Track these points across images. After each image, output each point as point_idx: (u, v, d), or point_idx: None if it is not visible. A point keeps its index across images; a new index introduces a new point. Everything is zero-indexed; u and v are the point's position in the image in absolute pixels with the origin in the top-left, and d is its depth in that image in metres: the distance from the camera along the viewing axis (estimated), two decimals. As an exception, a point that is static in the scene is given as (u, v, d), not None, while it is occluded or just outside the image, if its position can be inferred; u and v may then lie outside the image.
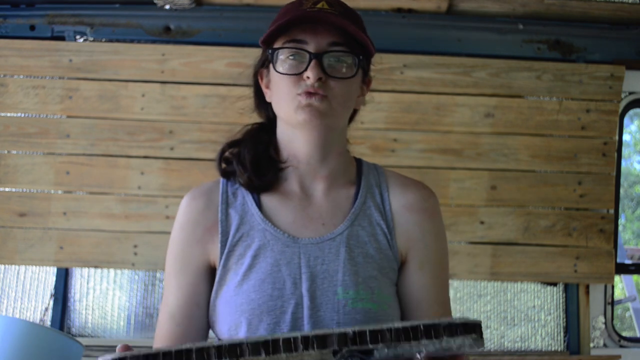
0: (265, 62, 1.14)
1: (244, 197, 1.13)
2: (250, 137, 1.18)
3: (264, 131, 1.18)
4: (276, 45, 1.10)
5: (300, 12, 1.07)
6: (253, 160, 1.14)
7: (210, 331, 1.14)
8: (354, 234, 1.10)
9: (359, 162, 1.21)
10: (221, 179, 1.17)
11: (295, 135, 1.12)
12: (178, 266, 1.13)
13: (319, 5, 1.07)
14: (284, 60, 1.08)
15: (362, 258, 1.09)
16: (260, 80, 1.17)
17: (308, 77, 1.05)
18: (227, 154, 1.18)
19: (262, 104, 1.18)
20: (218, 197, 1.14)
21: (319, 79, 1.05)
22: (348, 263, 1.07)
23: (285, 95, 1.08)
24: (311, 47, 1.06)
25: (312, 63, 1.05)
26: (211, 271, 1.12)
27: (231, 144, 1.18)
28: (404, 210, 1.14)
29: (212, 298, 1.11)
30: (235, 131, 1.20)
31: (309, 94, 1.06)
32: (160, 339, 1.13)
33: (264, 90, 1.16)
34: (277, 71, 1.09)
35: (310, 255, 1.08)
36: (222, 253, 1.10)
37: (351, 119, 1.21)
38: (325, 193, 1.14)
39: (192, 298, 1.11)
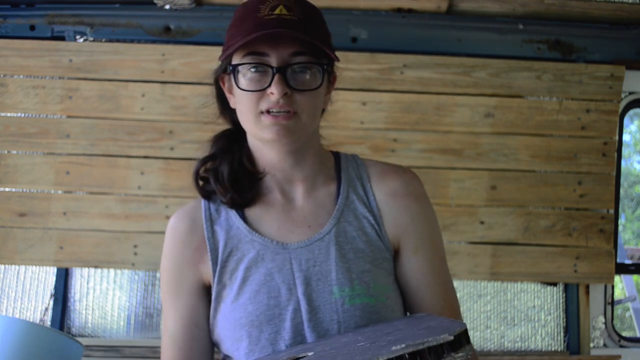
0: (227, 68, 1.10)
1: (227, 212, 1.13)
2: (223, 151, 1.15)
3: (234, 140, 1.16)
4: (236, 58, 1.05)
5: (258, 20, 1.02)
6: (230, 176, 1.12)
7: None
8: (342, 230, 1.09)
9: (336, 155, 1.19)
10: (202, 199, 1.15)
11: (264, 147, 1.10)
12: (173, 290, 1.13)
13: (277, 11, 1.02)
14: (245, 74, 1.04)
15: (353, 254, 1.08)
16: (222, 85, 1.14)
17: (272, 93, 1.01)
18: (202, 172, 1.15)
19: (227, 110, 1.15)
20: (201, 215, 1.13)
21: (285, 94, 1.01)
22: (340, 261, 1.07)
23: (250, 113, 1.05)
24: (273, 60, 1.02)
25: (276, 78, 1.01)
26: (206, 290, 1.12)
27: (204, 160, 1.16)
28: (389, 198, 1.12)
29: (211, 317, 1.11)
30: (206, 144, 1.17)
31: (274, 116, 1.02)
32: None
33: (227, 95, 1.13)
34: (239, 87, 1.05)
35: (301, 259, 1.07)
36: (214, 270, 1.09)
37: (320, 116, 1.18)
38: (306, 195, 1.12)
39: (191, 319, 1.11)
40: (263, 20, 1.02)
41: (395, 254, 1.13)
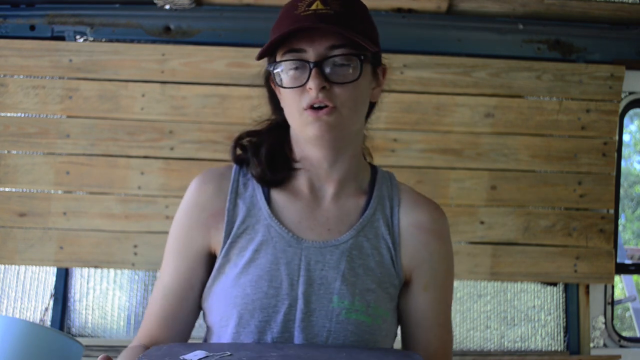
0: (270, 70, 1.10)
1: (254, 189, 1.12)
2: (269, 131, 1.15)
3: (282, 128, 1.15)
4: (277, 58, 1.06)
5: (295, 17, 1.02)
6: (268, 154, 1.12)
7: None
8: (358, 244, 1.09)
9: (373, 169, 1.18)
10: (234, 167, 1.15)
11: (306, 142, 1.10)
12: (179, 247, 1.13)
13: (314, 7, 1.02)
14: (285, 72, 1.04)
15: (362, 270, 1.07)
16: (273, 85, 1.13)
17: (310, 89, 1.01)
18: (244, 141, 1.15)
19: (278, 110, 1.15)
20: (229, 185, 1.13)
21: (322, 88, 1.01)
22: (347, 273, 1.06)
23: (292, 110, 1.05)
24: (310, 56, 1.02)
25: (313, 72, 1.01)
26: (210, 257, 1.12)
27: (250, 133, 1.16)
28: (413, 229, 1.12)
29: (208, 285, 1.11)
30: (240, 130, 1.18)
31: (315, 110, 1.02)
32: (151, 315, 1.14)
33: (278, 95, 1.13)
34: (280, 85, 1.06)
35: (311, 259, 1.07)
36: (224, 242, 1.09)
37: (369, 113, 1.18)
38: (334, 198, 1.12)
39: (188, 281, 1.11)
40: (300, 16, 1.02)
41: (405, 285, 1.12)
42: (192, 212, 1.12)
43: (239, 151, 1.16)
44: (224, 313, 1.07)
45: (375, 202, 1.13)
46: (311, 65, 1.01)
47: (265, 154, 1.12)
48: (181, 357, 0.91)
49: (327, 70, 1.02)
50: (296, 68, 1.03)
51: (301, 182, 1.13)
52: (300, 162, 1.12)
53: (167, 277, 1.13)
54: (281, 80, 1.05)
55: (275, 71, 1.05)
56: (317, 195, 1.12)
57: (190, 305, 1.12)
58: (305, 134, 1.06)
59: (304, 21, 1.01)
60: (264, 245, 1.08)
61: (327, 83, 1.02)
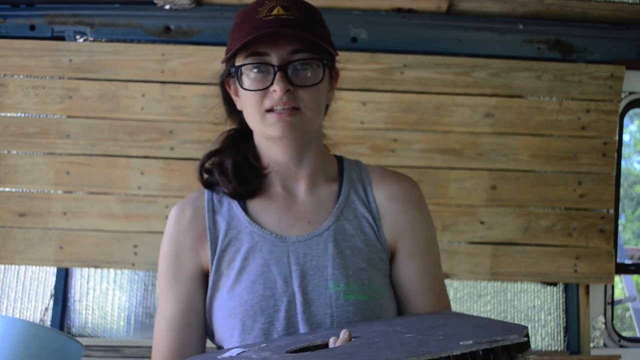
0: (231, 72, 1.13)
1: (230, 203, 1.15)
2: (228, 147, 1.18)
3: (240, 138, 1.18)
4: (238, 60, 1.08)
5: (257, 22, 1.04)
6: (234, 169, 1.14)
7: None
8: (340, 228, 1.11)
9: (339, 159, 1.22)
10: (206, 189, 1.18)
11: (270, 144, 1.12)
12: (172, 276, 1.14)
13: (275, 12, 1.05)
14: (247, 75, 1.07)
15: (350, 251, 1.10)
16: (228, 88, 1.16)
17: (275, 91, 1.04)
18: (207, 164, 1.18)
19: (234, 112, 1.18)
20: (204, 205, 1.15)
21: (287, 91, 1.04)
22: (337, 257, 1.08)
23: (254, 111, 1.07)
24: (274, 59, 1.04)
25: (277, 76, 1.04)
26: (205, 278, 1.13)
27: (210, 155, 1.19)
28: (388, 201, 1.15)
29: (207, 305, 1.12)
30: (213, 140, 1.21)
31: (278, 113, 1.05)
32: (161, 352, 1.13)
33: (234, 97, 1.15)
34: (242, 88, 1.08)
35: (299, 253, 1.09)
36: (212, 259, 1.11)
37: (324, 113, 1.20)
38: (308, 192, 1.15)
39: (190, 306, 1.12)
40: (262, 21, 1.04)
41: (392, 257, 1.14)
42: (177, 239, 1.14)
43: (205, 176, 1.18)
44: (227, 325, 1.08)
45: (347, 185, 1.16)
46: (275, 68, 1.04)
47: (232, 170, 1.14)
48: (219, 357, 0.91)
49: (290, 73, 1.05)
50: (259, 71, 1.06)
51: (273, 184, 1.15)
52: (268, 167, 1.15)
53: (168, 308, 1.13)
54: (243, 82, 1.07)
55: (237, 73, 1.08)
56: (290, 193, 1.15)
57: (197, 331, 1.13)
58: (267, 135, 1.08)
59: (267, 26, 1.03)
60: (251, 252, 1.10)
61: (291, 86, 1.05)
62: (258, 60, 1.05)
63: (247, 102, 1.09)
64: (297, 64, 1.05)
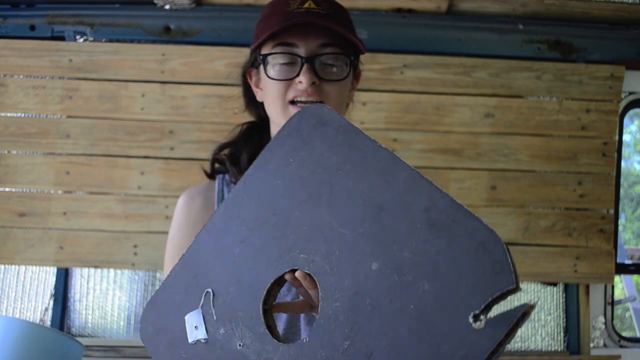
0: (255, 63, 1.13)
1: None
2: (243, 138, 1.18)
3: (256, 131, 1.18)
4: (265, 49, 1.08)
5: (288, 14, 1.05)
6: (247, 161, 1.14)
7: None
8: None
9: None
10: (217, 179, 1.17)
11: None
12: None
13: (306, 5, 1.05)
14: (274, 64, 1.06)
15: None
16: (249, 79, 1.16)
17: (301, 82, 1.04)
18: (220, 155, 1.18)
19: (253, 103, 1.18)
20: (214, 195, 1.15)
21: (312, 83, 1.04)
22: None
23: (278, 102, 1.07)
24: (302, 51, 1.04)
25: (304, 67, 1.04)
26: None
27: (224, 146, 1.19)
28: None
29: None
30: (230, 131, 1.21)
31: (301, 106, 1.04)
32: None
33: (254, 89, 1.15)
34: (268, 76, 1.07)
35: None
36: None
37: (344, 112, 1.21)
38: None
39: None
40: (293, 13, 1.05)
41: None
42: (185, 227, 1.14)
43: (217, 165, 1.18)
44: None
45: None
46: (303, 60, 1.04)
47: (244, 162, 1.14)
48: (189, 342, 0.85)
49: (317, 66, 1.05)
50: (286, 62, 1.06)
51: None
52: None
53: None
54: (268, 71, 1.07)
55: (263, 62, 1.07)
56: None
57: None
58: None
59: (297, 17, 1.04)
60: None
61: (317, 79, 1.04)
62: (286, 50, 1.05)
63: (270, 92, 1.08)
64: (325, 57, 1.05)
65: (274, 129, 1.15)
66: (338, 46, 1.06)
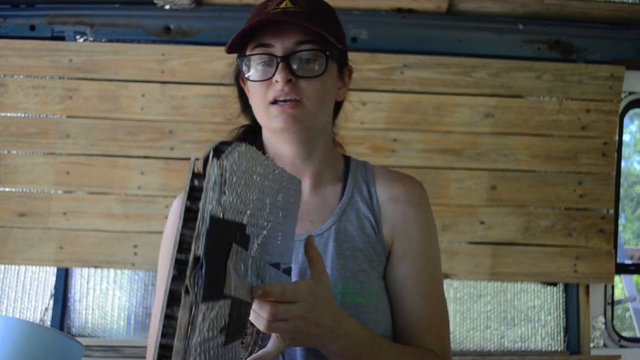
0: (239, 65, 1.13)
1: None
2: (240, 140, 1.17)
3: (250, 133, 1.19)
4: (246, 52, 1.09)
5: (263, 15, 1.05)
6: None
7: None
8: (342, 228, 1.11)
9: (347, 159, 1.21)
10: None
11: (276, 138, 1.12)
12: None
13: (283, 5, 1.05)
14: (253, 66, 1.07)
15: (351, 252, 1.09)
16: (242, 84, 1.16)
17: (277, 81, 1.04)
18: None
19: (248, 108, 1.18)
20: None
21: (289, 81, 1.04)
22: (336, 258, 1.08)
23: (259, 103, 1.07)
24: (278, 50, 1.04)
25: (280, 66, 1.03)
26: None
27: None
28: (390, 203, 1.13)
29: None
30: (227, 134, 1.21)
31: (281, 105, 1.04)
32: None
33: (247, 93, 1.15)
34: (248, 79, 1.08)
35: (298, 252, 1.07)
36: None
37: (338, 111, 1.22)
38: (312, 191, 1.15)
39: None
40: (269, 13, 1.05)
41: (387, 257, 1.12)
42: None
43: None
44: None
45: (352, 186, 1.15)
46: (278, 59, 1.04)
47: None
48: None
49: (294, 64, 1.05)
50: (264, 62, 1.06)
51: None
52: (275, 162, 1.14)
53: None
54: (249, 74, 1.08)
55: (244, 65, 1.08)
56: None
57: None
58: (271, 126, 1.08)
59: (272, 18, 1.04)
60: None
61: (293, 77, 1.04)
62: (263, 50, 1.05)
63: (253, 94, 1.09)
64: (300, 55, 1.05)
65: (264, 131, 1.15)
66: (315, 42, 1.05)
